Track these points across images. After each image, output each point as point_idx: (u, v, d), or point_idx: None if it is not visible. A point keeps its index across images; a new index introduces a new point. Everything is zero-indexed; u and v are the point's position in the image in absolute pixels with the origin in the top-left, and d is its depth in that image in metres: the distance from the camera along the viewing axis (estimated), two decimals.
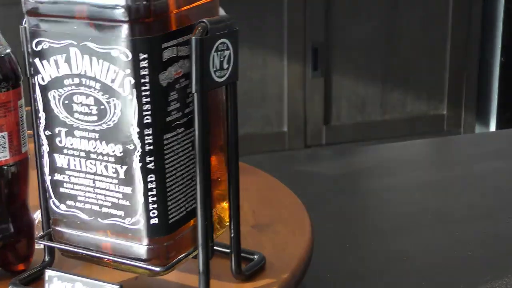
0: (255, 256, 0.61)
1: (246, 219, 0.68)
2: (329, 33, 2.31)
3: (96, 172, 0.53)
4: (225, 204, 0.58)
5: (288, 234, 0.66)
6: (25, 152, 0.60)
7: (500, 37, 2.44)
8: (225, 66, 0.52)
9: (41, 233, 0.59)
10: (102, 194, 0.53)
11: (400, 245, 0.72)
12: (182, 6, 0.51)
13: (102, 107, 0.51)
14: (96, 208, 0.54)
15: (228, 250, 0.58)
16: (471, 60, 2.48)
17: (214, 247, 0.56)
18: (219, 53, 0.51)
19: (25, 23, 0.53)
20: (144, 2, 0.48)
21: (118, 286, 0.53)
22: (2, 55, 0.58)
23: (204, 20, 0.50)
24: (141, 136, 0.51)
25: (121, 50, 0.49)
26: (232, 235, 0.56)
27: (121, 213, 0.53)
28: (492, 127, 2.52)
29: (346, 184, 0.89)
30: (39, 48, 0.52)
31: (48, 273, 0.56)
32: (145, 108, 0.50)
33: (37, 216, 0.64)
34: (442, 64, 2.46)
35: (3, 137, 0.58)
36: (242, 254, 0.59)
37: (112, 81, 0.50)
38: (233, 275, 0.58)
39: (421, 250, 0.72)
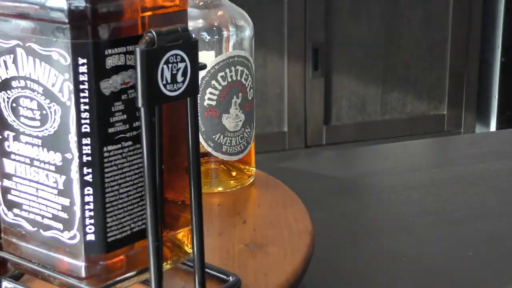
0: (230, 278, 0.57)
1: (244, 237, 0.66)
2: (329, 33, 2.31)
3: (38, 181, 0.51)
4: (188, 231, 0.55)
5: (278, 257, 0.62)
6: None
7: (500, 37, 2.44)
8: (180, 79, 0.49)
9: None
10: (44, 204, 0.51)
11: (400, 245, 0.72)
12: (135, 13, 0.49)
13: (44, 112, 0.49)
14: (39, 218, 0.52)
15: (192, 269, 0.54)
16: (471, 60, 2.48)
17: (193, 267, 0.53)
18: (170, 65, 0.48)
19: None
20: (87, 5, 0.46)
21: None
22: None
23: (151, 30, 0.47)
24: (79, 145, 0.48)
25: (61, 53, 0.47)
26: (195, 256, 0.52)
27: (60, 226, 0.51)
28: (492, 127, 2.52)
29: (346, 184, 0.89)
30: None
31: (5, 284, 0.54)
32: (83, 116, 0.48)
33: None
34: (442, 64, 2.46)
35: None
36: (218, 275, 0.57)
37: (53, 85, 0.48)
38: None
39: (421, 250, 0.72)
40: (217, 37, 0.73)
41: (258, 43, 2.24)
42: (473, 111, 2.53)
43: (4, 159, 0.52)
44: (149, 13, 0.49)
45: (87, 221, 0.49)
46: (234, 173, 0.76)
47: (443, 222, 0.78)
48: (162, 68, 0.48)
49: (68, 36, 0.47)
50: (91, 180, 0.49)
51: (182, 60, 0.49)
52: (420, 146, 1.17)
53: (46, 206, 0.51)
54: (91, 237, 0.50)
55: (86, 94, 0.47)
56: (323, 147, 2.38)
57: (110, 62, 0.48)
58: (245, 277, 0.58)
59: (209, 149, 0.74)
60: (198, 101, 0.67)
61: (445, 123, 2.50)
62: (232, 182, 0.76)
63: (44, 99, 0.49)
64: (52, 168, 0.50)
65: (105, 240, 0.50)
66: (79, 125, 0.48)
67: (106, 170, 0.49)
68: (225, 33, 0.74)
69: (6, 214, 0.54)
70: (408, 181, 0.89)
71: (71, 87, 0.47)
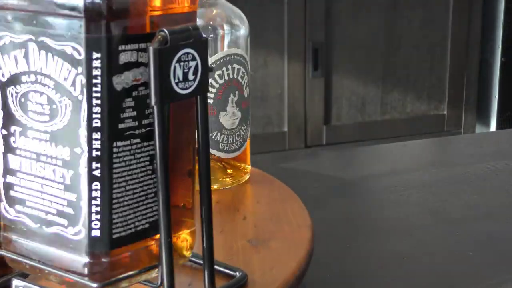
0: (237, 273, 0.58)
1: (245, 233, 0.67)
2: (329, 33, 2.31)
3: (44, 176, 0.51)
4: (186, 235, 0.55)
5: (282, 252, 0.63)
6: None
7: (500, 37, 2.44)
8: (191, 77, 0.49)
9: None
10: (48, 200, 0.51)
11: (400, 245, 0.72)
12: (149, 11, 0.49)
13: (54, 106, 0.49)
14: (42, 215, 0.51)
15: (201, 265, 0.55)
16: (471, 60, 2.48)
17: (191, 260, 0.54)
18: (182, 63, 0.49)
19: None
20: (102, 0, 0.46)
21: None
22: None
23: (163, 29, 0.48)
24: (89, 140, 0.48)
25: (75, 47, 0.47)
26: (205, 252, 0.53)
27: (65, 221, 0.50)
28: (492, 127, 2.52)
29: (346, 184, 0.89)
30: (1, 42, 0.51)
31: (15, 282, 0.54)
32: (94, 111, 0.48)
33: None
34: (442, 64, 2.46)
35: None
36: (225, 270, 0.57)
37: (65, 79, 0.48)
38: None
39: (421, 250, 0.71)
40: (212, 35, 0.74)
41: (258, 43, 2.24)
42: (473, 111, 2.53)
43: (9, 155, 0.52)
44: (159, 13, 0.50)
45: (93, 216, 0.49)
46: (230, 171, 0.76)
47: (443, 222, 0.78)
48: (175, 67, 0.48)
49: (83, 30, 0.47)
50: (99, 175, 0.49)
51: (193, 58, 0.49)
52: (420, 146, 1.17)
53: (51, 202, 0.51)
54: (96, 232, 0.49)
55: (99, 89, 0.48)
56: (323, 147, 2.38)
57: (123, 58, 0.48)
58: (251, 272, 0.59)
59: None
60: None
61: (445, 123, 2.50)
62: (228, 179, 0.76)
63: (55, 93, 0.49)
64: (60, 163, 0.50)
65: (110, 237, 0.50)
66: (90, 119, 0.48)
67: (115, 165, 0.49)
68: (220, 31, 0.74)
69: (7, 211, 0.53)
70: (408, 181, 0.89)
71: (84, 81, 0.47)
